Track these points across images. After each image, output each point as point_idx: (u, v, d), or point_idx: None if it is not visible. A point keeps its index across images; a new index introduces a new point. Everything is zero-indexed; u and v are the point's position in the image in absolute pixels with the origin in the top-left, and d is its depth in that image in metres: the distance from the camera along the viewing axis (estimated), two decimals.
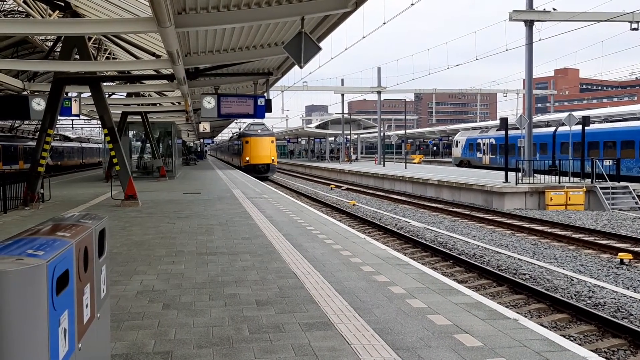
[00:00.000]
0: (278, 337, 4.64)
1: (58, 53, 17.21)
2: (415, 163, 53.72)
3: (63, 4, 14.33)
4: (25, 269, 2.05)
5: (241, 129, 52.01)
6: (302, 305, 5.54)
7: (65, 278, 2.39)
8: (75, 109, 16.58)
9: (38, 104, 15.00)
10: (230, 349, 4.38)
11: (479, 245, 12.83)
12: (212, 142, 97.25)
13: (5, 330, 2.01)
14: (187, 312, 5.37)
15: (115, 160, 15.89)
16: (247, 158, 39.68)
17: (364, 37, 24.54)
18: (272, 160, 40.17)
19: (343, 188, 31.39)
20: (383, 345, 4.41)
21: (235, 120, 59.32)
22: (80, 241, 2.67)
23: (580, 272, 10.25)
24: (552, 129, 34.55)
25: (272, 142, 40.83)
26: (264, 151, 39.81)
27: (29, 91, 17.91)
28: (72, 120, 54.50)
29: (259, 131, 40.95)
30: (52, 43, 19.40)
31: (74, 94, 18.59)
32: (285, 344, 4.47)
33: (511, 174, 21.89)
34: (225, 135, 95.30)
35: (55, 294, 2.22)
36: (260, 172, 38.99)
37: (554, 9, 24.26)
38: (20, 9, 18.59)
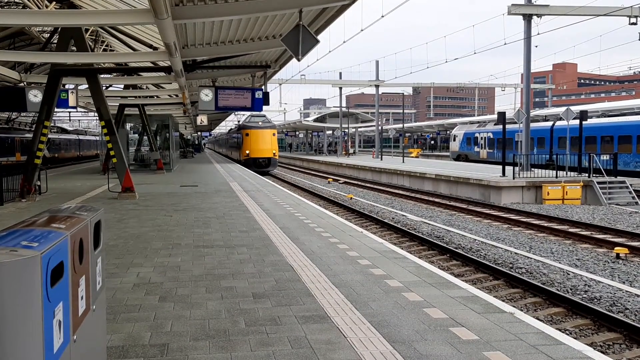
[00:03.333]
0: (274, 329, 4.64)
1: (55, 45, 17.13)
2: (412, 157, 53.74)
3: None
4: (19, 261, 2.04)
5: (240, 122, 50.91)
6: (298, 298, 5.54)
7: (60, 270, 2.38)
8: (72, 101, 16.51)
9: (35, 96, 14.95)
10: (227, 341, 4.38)
11: (475, 239, 12.85)
12: (210, 134, 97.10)
13: None
14: (183, 304, 5.37)
15: (112, 153, 15.85)
16: (247, 151, 38.02)
17: (362, 30, 24.51)
18: (274, 154, 38.48)
19: (341, 181, 31.39)
20: (379, 338, 4.41)
21: (234, 113, 58.98)
22: (75, 233, 2.66)
23: (577, 266, 10.27)
24: (549, 124, 34.57)
25: (274, 134, 39.16)
26: (265, 144, 38.18)
27: (25, 83, 17.83)
28: (69, 112, 54.38)
29: (260, 123, 39.15)
30: (48, 34, 19.30)
31: (71, 86, 18.54)
32: (281, 336, 4.48)
33: (508, 168, 21.90)
34: (222, 128, 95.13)
35: (50, 286, 2.21)
36: (261, 166, 37.61)
37: (547, 5, 24.22)
38: None
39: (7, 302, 2.00)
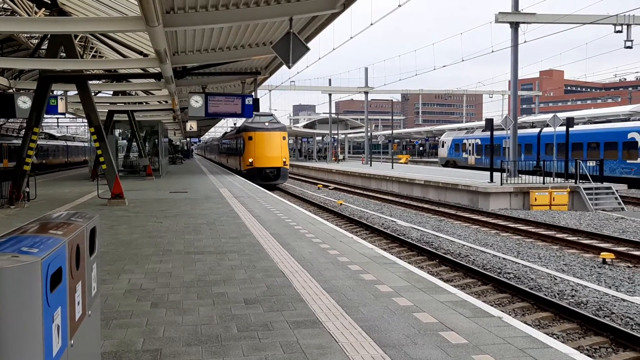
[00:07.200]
0: (266, 335, 4.69)
1: (44, 51, 17.10)
2: (402, 163, 53.95)
3: (49, 2, 14.23)
4: (20, 266, 2.08)
5: (236, 124, 43.17)
6: (290, 304, 5.59)
7: (59, 275, 2.43)
8: (61, 108, 16.49)
9: (24, 102, 14.93)
10: (219, 346, 4.42)
11: (464, 245, 12.96)
12: (199, 140, 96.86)
13: (0, 327, 2.04)
14: (175, 310, 5.40)
15: (101, 159, 15.82)
16: (251, 160, 30.38)
17: (351, 37, 24.61)
18: (284, 162, 30.64)
19: (330, 187, 31.46)
20: (370, 343, 4.47)
21: (225, 118, 58.15)
22: (72, 239, 2.70)
23: (564, 271, 10.40)
24: (536, 130, 34.92)
25: (284, 138, 31.19)
26: (274, 151, 30.41)
27: (14, 89, 17.77)
28: (57, 118, 54.03)
29: (267, 124, 31.11)
30: (37, 41, 19.25)
31: (60, 92, 18.47)
32: (273, 341, 4.53)
33: (496, 175, 22.09)
34: (212, 133, 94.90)
35: (50, 291, 2.25)
36: (268, 178, 30.14)
37: (534, 13, 24.54)
38: (5, 6, 18.42)
39: (8, 306, 2.05)
